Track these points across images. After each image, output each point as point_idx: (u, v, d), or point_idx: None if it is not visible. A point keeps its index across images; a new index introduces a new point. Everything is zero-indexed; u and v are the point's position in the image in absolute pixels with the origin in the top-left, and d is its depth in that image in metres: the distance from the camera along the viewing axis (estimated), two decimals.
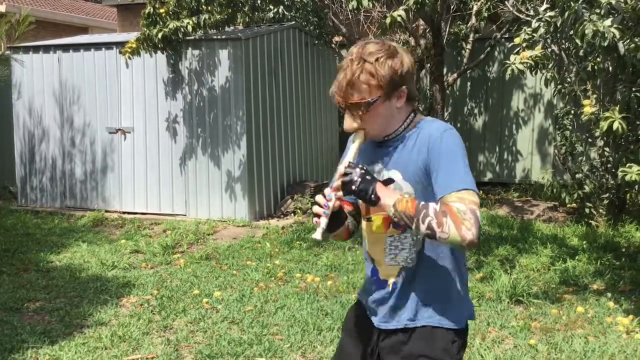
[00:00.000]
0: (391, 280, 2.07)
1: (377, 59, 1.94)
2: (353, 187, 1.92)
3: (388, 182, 2.03)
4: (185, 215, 8.17)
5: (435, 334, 2.02)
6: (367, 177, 1.93)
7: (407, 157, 2.00)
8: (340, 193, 1.97)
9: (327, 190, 2.00)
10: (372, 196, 1.91)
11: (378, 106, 1.98)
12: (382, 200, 1.91)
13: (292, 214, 8.17)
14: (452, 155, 1.92)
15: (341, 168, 1.97)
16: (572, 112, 7.36)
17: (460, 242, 1.82)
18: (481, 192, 8.73)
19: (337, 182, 1.97)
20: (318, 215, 1.99)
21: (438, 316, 2.03)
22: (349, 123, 2.03)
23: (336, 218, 2.04)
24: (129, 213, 8.40)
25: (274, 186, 8.42)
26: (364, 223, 2.17)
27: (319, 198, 2.01)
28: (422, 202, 1.89)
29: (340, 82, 1.98)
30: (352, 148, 2.04)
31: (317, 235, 1.98)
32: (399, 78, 1.97)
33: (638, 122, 5.55)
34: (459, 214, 1.82)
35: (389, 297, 2.08)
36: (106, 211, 8.45)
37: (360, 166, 1.96)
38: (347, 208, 2.20)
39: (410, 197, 1.93)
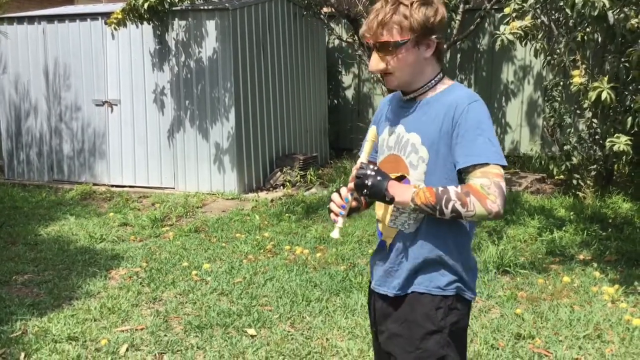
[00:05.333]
0: (389, 242, 2.09)
1: (412, 3, 1.95)
2: (365, 191, 1.98)
3: (401, 178, 2.03)
4: (173, 188, 8.14)
5: (420, 300, 2.03)
6: (378, 177, 1.96)
7: (428, 122, 2.00)
8: (356, 194, 2.04)
9: (343, 190, 2.06)
10: (386, 197, 1.95)
11: (406, 51, 1.97)
12: (397, 198, 1.95)
13: (281, 187, 8.16)
14: (477, 129, 1.92)
15: (355, 168, 2.01)
16: (561, 83, 7.35)
17: (487, 215, 1.87)
18: None
19: (350, 183, 2.01)
20: (335, 213, 2.05)
21: (426, 282, 2.03)
22: (375, 63, 2.01)
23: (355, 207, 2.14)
24: (117, 186, 8.36)
25: (263, 159, 8.39)
26: None
27: (335, 197, 2.07)
28: (441, 188, 1.91)
29: (372, 22, 1.98)
30: (366, 147, 2.07)
31: (335, 234, 2.03)
32: (431, 26, 1.96)
33: (626, 93, 5.56)
34: (483, 189, 1.86)
35: (385, 259, 2.10)
36: (94, 184, 8.41)
37: (371, 167, 1.98)
38: None
39: (425, 187, 1.94)
